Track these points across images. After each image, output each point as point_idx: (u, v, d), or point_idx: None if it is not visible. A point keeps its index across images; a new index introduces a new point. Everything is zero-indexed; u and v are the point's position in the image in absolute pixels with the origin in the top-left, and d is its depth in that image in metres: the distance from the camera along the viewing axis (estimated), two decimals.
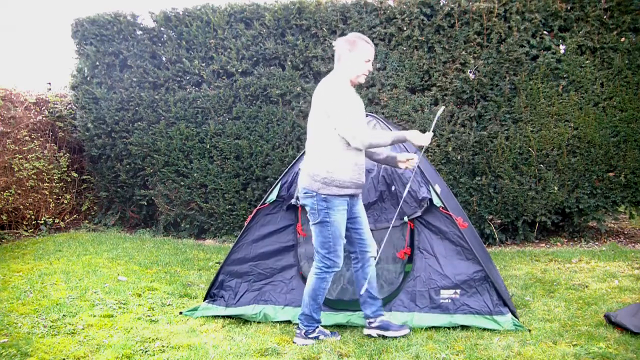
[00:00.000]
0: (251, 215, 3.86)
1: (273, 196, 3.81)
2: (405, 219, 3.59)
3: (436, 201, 3.53)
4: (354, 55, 3.18)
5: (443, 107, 3.57)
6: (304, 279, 3.75)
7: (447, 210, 3.53)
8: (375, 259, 3.36)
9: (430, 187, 3.56)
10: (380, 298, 3.43)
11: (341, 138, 3.11)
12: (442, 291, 3.47)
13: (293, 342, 3.27)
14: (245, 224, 3.86)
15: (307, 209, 3.25)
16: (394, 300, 3.55)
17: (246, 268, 3.77)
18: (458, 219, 3.52)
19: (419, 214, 3.56)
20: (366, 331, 3.37)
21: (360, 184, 3.24)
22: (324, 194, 3.12)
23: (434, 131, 3.17)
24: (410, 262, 3.64)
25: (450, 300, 3.47)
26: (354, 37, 3.21)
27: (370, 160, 3.52)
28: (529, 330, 3.32)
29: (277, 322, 3.60)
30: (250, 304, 3.69)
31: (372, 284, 3.34)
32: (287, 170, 3.88)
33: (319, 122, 3.17)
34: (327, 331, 3.37)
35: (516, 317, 3.40)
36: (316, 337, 3.28)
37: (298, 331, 3.32)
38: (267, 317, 3.62)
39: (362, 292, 3.29)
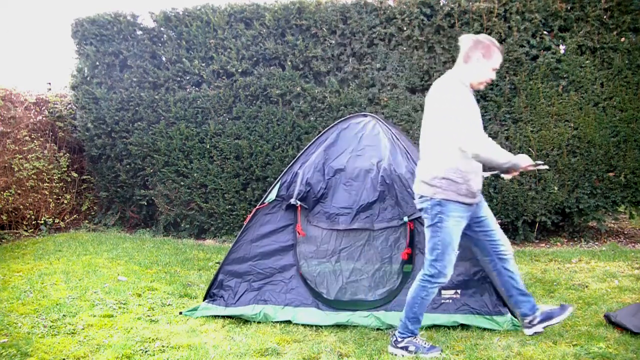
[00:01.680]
0: (250, 215, 3.86)
1: (272, 196, 3.81)
2: (405, 219, 3.59)
3: None
4: (487, 62, 3.00)
5: (546, 167, 3.22)
6: (303, 278, 3.75)
7: None
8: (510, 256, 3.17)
9: None
10: (528, 293, 3.20)
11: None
12: (442, 291, 3.47)
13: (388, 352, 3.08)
14: (245, 223, 3.86)
15: (422, 214, 3.07)
16: (394, 300, 3.55)
17: (245, 268, 3.77)
18: None
19: (419, 214, 3.56)
20: (529, 331, 3.15)
21: (474, 191, 2.98)
22: (439, 198, 2.93)
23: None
24: (410, 262, 3.64)
25: (450, 300, 3.47)
26: (489, 42, 3.00)
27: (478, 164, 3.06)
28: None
29: (277, 322, 3.60)
30: (250, 303, 3.69)
31: (518, 280, 3.15)
32: (286, 170, 3.88)
33: (433, 124, 2.98)
34: (422, 343, 3.07)
35: (516, 317, 3.40)
36: (405, 348, 3.05)
37: (392, 338, 3.14)
38: (267, 317, 3.62)
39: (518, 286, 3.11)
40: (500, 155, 2.89)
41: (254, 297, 3.71)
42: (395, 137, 3.85)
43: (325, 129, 4.07)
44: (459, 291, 3.46)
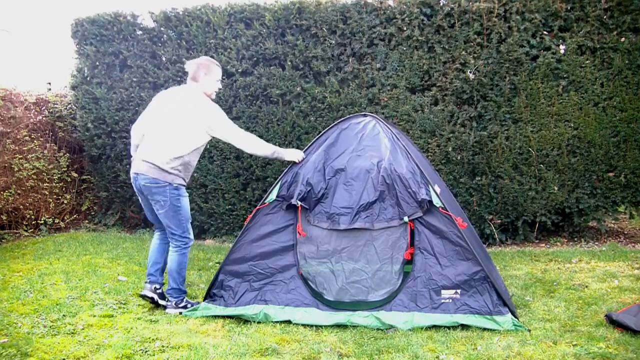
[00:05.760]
0: (250, 215, 3.86)
1: (273, 196, 3.81)
2: (406, 219, 3.58)
3: (436, 201, 3.53)
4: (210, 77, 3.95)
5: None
6: (303, 278, 3.75)
7: (447, 211, 3.53)
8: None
9: (430, 187, 3.56)
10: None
11: None
12: (442, 291, 3.48)
13: None
14: (245, 224, 3.86)
15: None
16: (394, 300, 3.56)
17: (246, 268, 3.77)
18: (458, 219, 3.52)
19: (419, 214, 3.56)
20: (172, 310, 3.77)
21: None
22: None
23: None
24: (410, 262, 3.64)
25: (450, 300, 3.47)
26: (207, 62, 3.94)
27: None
28: (529, 330, 3.32)
29: (277, 322, 3.60)
30: (250, 303, 3.69)
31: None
32: (286, 170, 3.88)
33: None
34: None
35: (516, 317, 3.40)
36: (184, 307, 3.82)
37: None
38: (268, 317, 3.62)
39: None
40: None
41: (254, 297, 3.71)
42: (396, 136, 3.85)
43: (326, 129, 4.07)
44: (458, 291, 3.47)
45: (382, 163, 3.68)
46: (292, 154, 3.89)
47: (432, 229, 3.57)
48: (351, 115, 4.23)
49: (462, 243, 3.49)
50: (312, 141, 4.04)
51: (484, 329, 3.35)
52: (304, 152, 3.95)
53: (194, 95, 3.81)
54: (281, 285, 3.73)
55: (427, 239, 3.57)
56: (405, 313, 3.48)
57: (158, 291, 3.93)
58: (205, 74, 3.83)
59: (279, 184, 3.82)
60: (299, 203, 3.68)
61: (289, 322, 3.59)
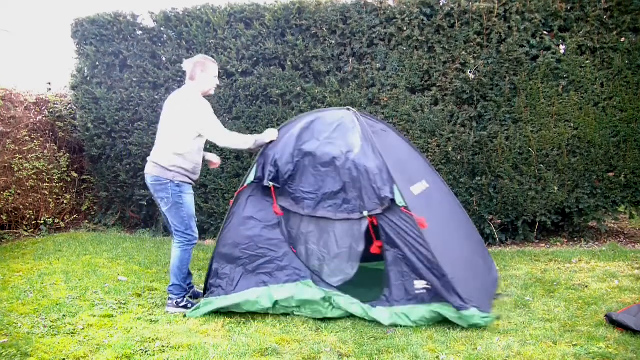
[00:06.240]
0: (233, 200, 3.90)
1: (251, 177, 3.85)
2: (365, 213, 3.58)
3: (399, 200, 3.52)
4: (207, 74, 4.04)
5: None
6: (295, 254, 3.80)
7: (409, 210, 3.49)
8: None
9: (395, 186, 3.54)
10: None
11: None
12: (415, 282, 3.49)
13: None
14: (229, 208, 3.90)
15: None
16: (379, 296, 3.59)
17: (238, 252, 3.78)
18: (420, 219, 3.48)
19: (379, 211, 3.55)
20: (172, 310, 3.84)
21: None
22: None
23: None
24: (380, 257, 3.66)
25: (425, 291, 3.48)
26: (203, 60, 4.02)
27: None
28: (498, 318, 3.38)
29: (277, 322, 3.60)
30: (249, 287, 3.70)
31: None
32: (261, 151, 3.91)
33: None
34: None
35: (482, 310, 3.39)
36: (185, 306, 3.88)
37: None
38: (270, 297, 3.63)
39: None
40: None
41: (252, 281, 3.73)
42: (371, 134, 3.81)
43: (304, 114, 4.10)
44: (429, 283, 3.47)
45: (351, 154, 3.67)
46: (269, 135, 3.93)
47: (393, 226, 3.55)
48: (335, 107, 4.24)
49: (422, 243, 3.45)
50: (289, 121, 4.06)
51: (484, 329, 3.35)
52: (278, 130, 3.99)
53: (186, 96, 3.91)
54: (275, 263, 3.75)
55: (391, 235, 3.54)
56: (387, 307, 3.51)
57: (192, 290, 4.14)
58: (202, 71, 3.93)
59: (255, 165, 3.85)
60: (271, 184, 3.74)
61: (289, 322, 3.59)
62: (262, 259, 3.76)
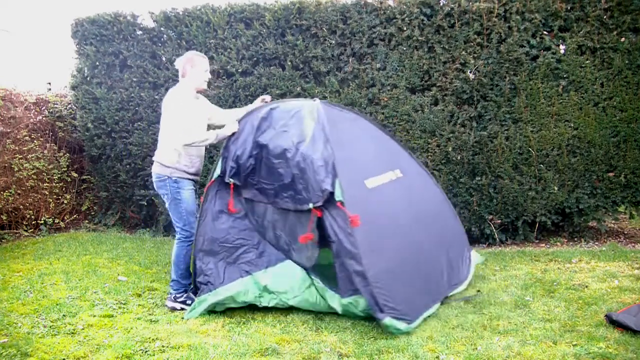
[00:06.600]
0: (203, 196, 3.93)
1: (217, 172, 3.89)
2: (310, 205, 3.57)
3: (337, 195, 3.48)
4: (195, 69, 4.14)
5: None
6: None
7: (344, 206, 3.45)
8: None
9: (336, 180, 3.51)
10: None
11: None
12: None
13: None
14: (201, 205, 3.94)
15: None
16: (336, 288, 3.62)
17: (217, 247, 3.83)
18: (353, 217, 3.43)
19: (320, 203, 3.53)
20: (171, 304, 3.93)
21: None
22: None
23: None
24: (326, 248, 3.69)
25: None
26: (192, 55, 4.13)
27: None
28: (408, 332, 3.33)
29: (277, 322, 3.60)
30: (235, 279, 3.76)
31: None
32: (225, 144, 3.94)
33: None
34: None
35: (406, 320, 3.37)
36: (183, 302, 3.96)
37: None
38: (258, 284, 3.73)
39: None
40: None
41: (235, 272, 3.79)
42: (326, 124, 3.77)
43: (268, 104, 4.11)
44: None
45: (301, 145, 3.67)
46: (230, 128, 3.94)
47: (332, 220, 3.52)
48: (300, 98, 4.23)
49: (352, 242, 3.41)
50: (250, 110, 4.07)
51: (484, 329, 3.35)
52: (239, 121, 3.99)
53: (176, 94, 4.02)
54: (253, 251, 3.86)
55: (332, 228, 3.51)
56: (345, 298, 3.53)
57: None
58: (191, 67, 4.05)
59: (220, 158, 3.89)
60: (231, 181, 3.81)
61: (289, 322, 3.59)
62: (240, 249, 3.85)
